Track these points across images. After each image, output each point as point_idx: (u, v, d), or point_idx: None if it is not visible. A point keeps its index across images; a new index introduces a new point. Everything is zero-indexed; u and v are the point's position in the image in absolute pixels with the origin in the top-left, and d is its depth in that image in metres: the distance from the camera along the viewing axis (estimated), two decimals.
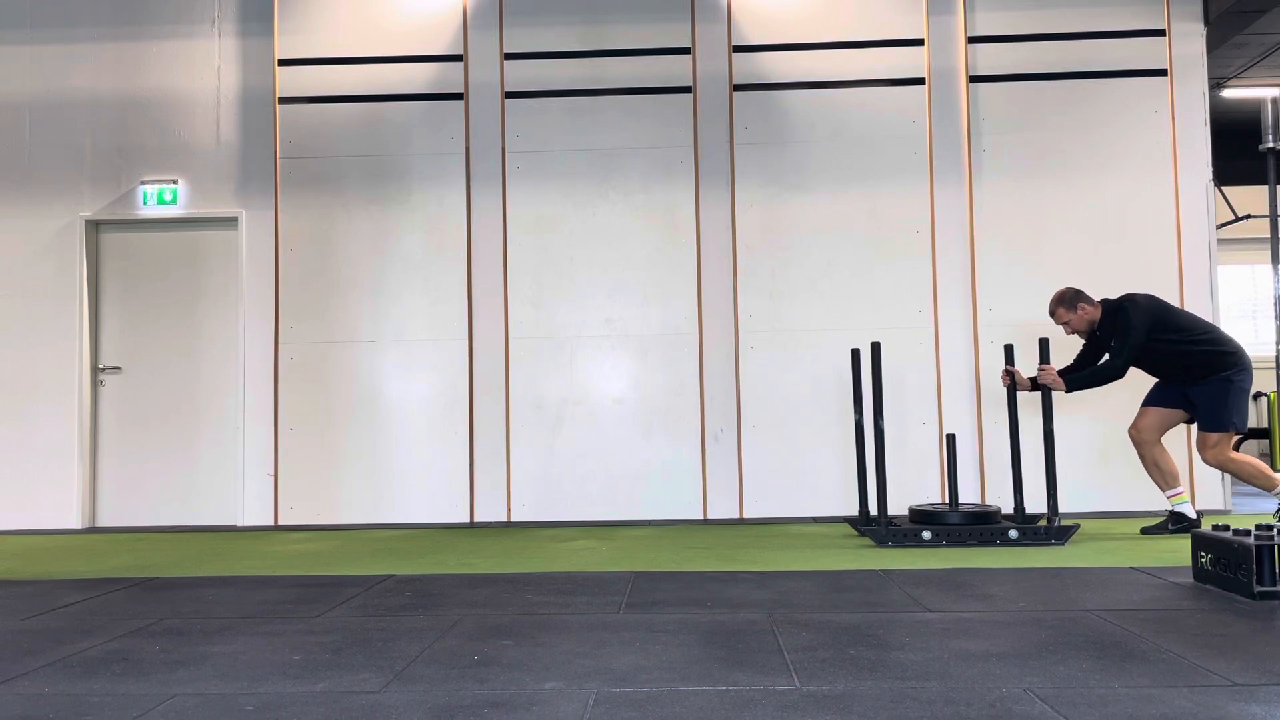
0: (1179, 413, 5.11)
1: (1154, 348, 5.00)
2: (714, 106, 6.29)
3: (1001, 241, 6.17)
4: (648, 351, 6.22)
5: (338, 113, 6.37)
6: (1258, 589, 3.36)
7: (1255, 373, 9.61)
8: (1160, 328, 4.97)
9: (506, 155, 6.32)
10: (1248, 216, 8.75)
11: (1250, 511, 6.00)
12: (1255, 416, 9.74)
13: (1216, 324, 5.16)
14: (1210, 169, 6.16)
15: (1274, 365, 8.63)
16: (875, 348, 5.14)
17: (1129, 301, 5.04)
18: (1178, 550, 4.38)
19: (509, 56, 6.36)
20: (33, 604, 3.76)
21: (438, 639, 3.04)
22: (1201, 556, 3.70)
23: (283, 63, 6.39)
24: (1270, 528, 3.44)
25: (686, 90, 6.30)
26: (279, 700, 2.44)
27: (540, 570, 4.34)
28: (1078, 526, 5.02)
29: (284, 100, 6.37)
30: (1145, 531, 5.13)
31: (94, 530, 6.24)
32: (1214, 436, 4.94)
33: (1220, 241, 6.91)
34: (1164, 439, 5.18)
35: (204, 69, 6.46)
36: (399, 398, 6.24)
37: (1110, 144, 6.18)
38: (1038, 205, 6.17)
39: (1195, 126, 6.16)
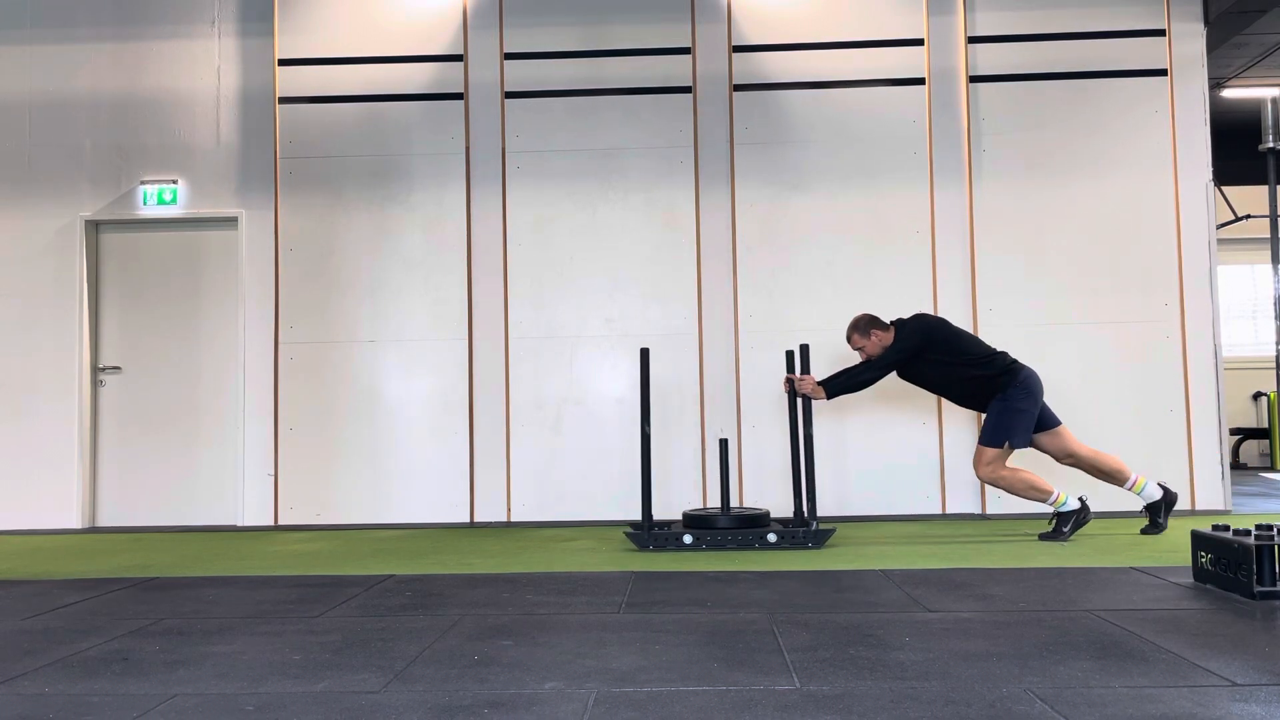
0: (1053, 430, 5.15)
1: (935, 370, 5.11)
2: (714, 106, 6.28)
3: (1001, 241, 6.17)
4: (648, 351, 6.20)
5: (338, 113, 6.37)
6: (1258, 589, 3.36)
7: (1255, 373, 9.68)
8: (937, 349, 5.08)
9: (506, 155, 6.32)
10: (1248, 216, 8.75)
11: (1250, 511, 6.01)
12: (1255, 416, 9.75)
13: (990, 347, 5.19)
14: (1210, 169, 6.16)
15: (1274, 365, 8.63)
16: (644, 354, 5.12)
17: (911, 319, 5.19)
18: (1178, 550, 4.38)
19: (509, 56, 6.36)
20: (33, 604, 3.75)
21: (438, 639, 3.04)
22: (1201, 556, 3.70)
23: (283, 63, 6.39)
24: (1270, 528, 3.44)
25: (686, 90, 6.30)
26: (279, 700, 2.44)
27: (540, 570, 4.34)
28: (834, 530, 5.03)
29: (284, 100, 6.37)
30: (1042, 537, 5.07)
31: (94, 530, 6.24)
32: (988, 453, 5.01)
33: (1220, 241, 6.91)
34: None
35: (204, 69, 6.46)
36: (399, 398, 6.24)
37: (1110, 144, 6.18)
38: (1038, 205, 6.17)
39: (1195, 126, 6.16)
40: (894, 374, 5.22)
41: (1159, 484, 5.18)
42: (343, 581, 4.14)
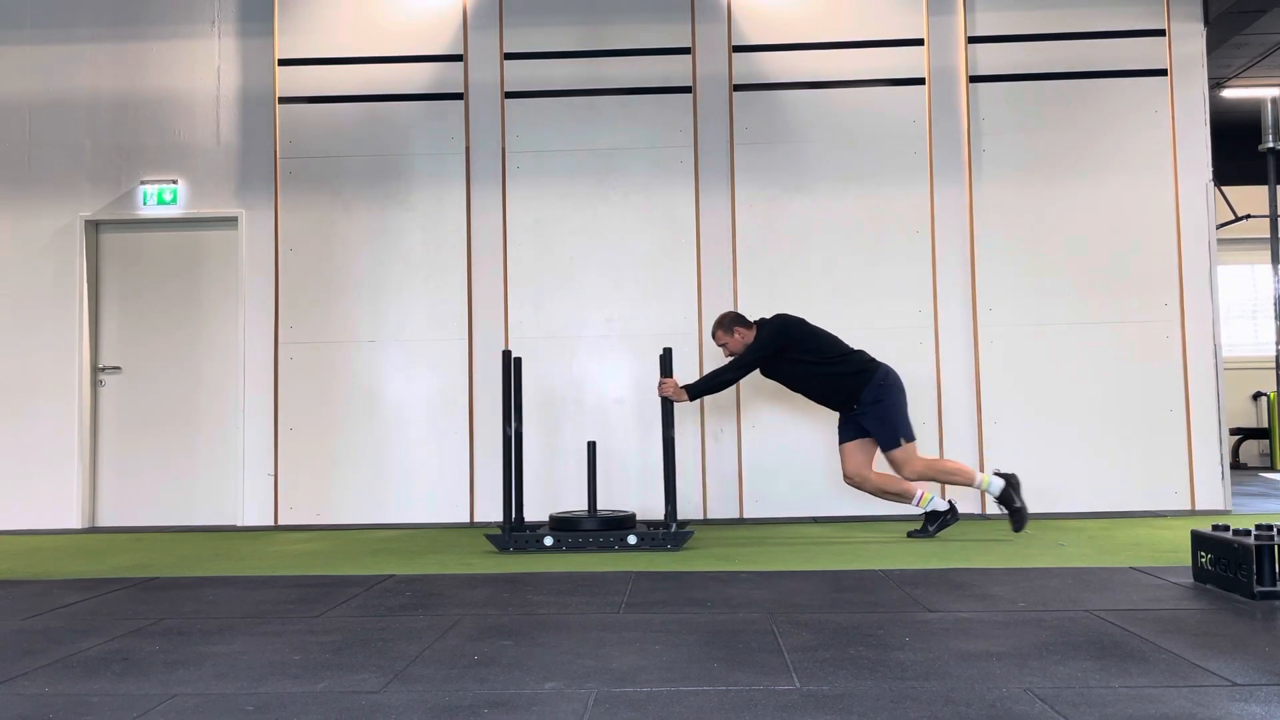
0: (870, 439, 5.16)
1: (794, 368, 5.14)
2: (714, 106, 6.28)
3: (1001, 241, 6.17)
4: (648, 351, 6.21)
5: (338, 113, 6.37)
6: (1258, 589, 3.36)
7: (1255, 373, 9.67)
8: (796, 347, 5.10)
9: (506, 155, 6.32)
10: (1248, 216, 8.75)
11: (1250, 511, 6.01)
12: (1255, 416, 9.75)
13: (849, 346, 5.20)
14: (1210, 169, 6.16)
15: (1274, 365, 8.63)
16: (506, 356, 5.12)
17: (772, 318, 5.21)
18: (1178, 550, 4.38)
19: (509, 56, 6.36)
20: (33, 604, 3.75)
21: (438, 639, 3.04)
22: (1201, 556, 3.69)
23: (283, 63, 6.39)
24: (1270, 528, 3.44)
25: (686, 90, 6.30)
26: (279, 700, 2.44)
27: (540, 570, 4.34)
28: (692, 533, 5.04)
29: (284, 100, 6.37)
30: (911, 535, 5.12)
31: (94, 530, 6.24)
32: (899, 454, 5.04)
33: (1220, 241, 6.91)
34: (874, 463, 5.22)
35: (204, 69, 6.46)
36: (399, 397, 6.24)
37: (1110, 144, 6.18)
38: (1038, 205, 6.17)
39: (1195, 126, 6.16)
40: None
41: (949, 501, 5.18)
42: (343, 581, 4.14)
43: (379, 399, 6.25)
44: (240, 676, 2.66)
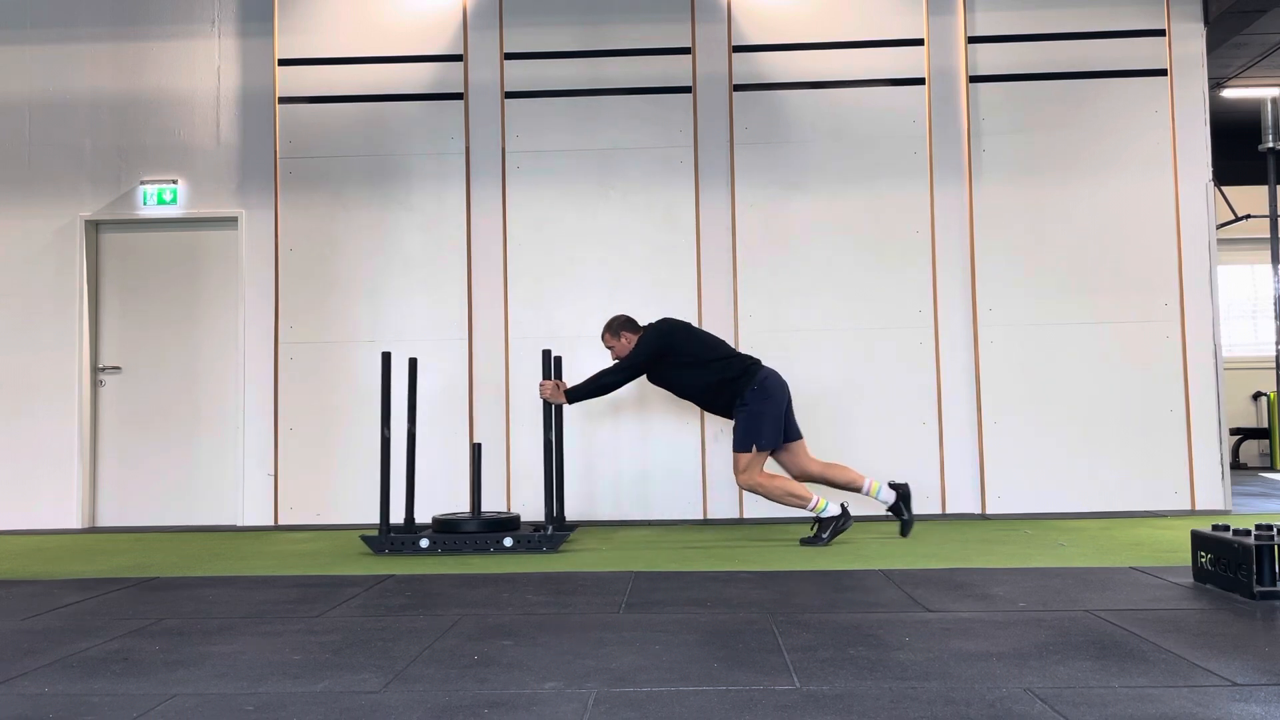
0: (787, 442, 5.15)
1: (678, 374, 5.12)
2: (714, 106, 6.28)
3: (1001, 241, 6.17)
4: None
5: (338, 113, 6.37)
6: (1258, 589, 3.36)
7: (1255, 373, 9.67)
8: (679, 352, 5.08)
9: (506, 155, 6.32)
10: (1248, 216, 8.76)
11: (1250, 511, 6.01)
12: (1256, 416, 9.75)
13: (732, 350, 5.22)
14: (1210, 169, 6.16)
15: (1274, 365, 8.63)
16: (385, 358, 5.12)
17: (653, 324, 5.20)
18: (1178, 550, 4.38)
19: (509, 56, 6.36)
20: (33, 604, 3.75)
21: (438, 639, 3.04)
22: (1201, 556, 3.70)
23: (283, 63, 6.39)
24: (1270, 528, 3.45)
25: (686, 90, 6.30)
26: (279, 700, 2.44)
27: (540, 570, 4.34)
28: (568, 535, 5.03)
29: (284, 100, 6.37)
30: (804, 542, 5.04)
31: (94, 530, 6.24)
32: (741, 459, 5.02)
33: (1220, 241, 6.91)
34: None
35: (204, 69, 6.46)
36: (399, 397, 6.22)
37: (1110, 144, 6.18)
38: (1038, 205, 6.17)
39: (1195, 126, 6.16)
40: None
41: (890, 484, 5.15)
42: (343, 581, 4.14)
43: (379, 399, 6.24)
44: (240, 676, 2.66)
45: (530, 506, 6.14)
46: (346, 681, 2.60)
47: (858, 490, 5.12)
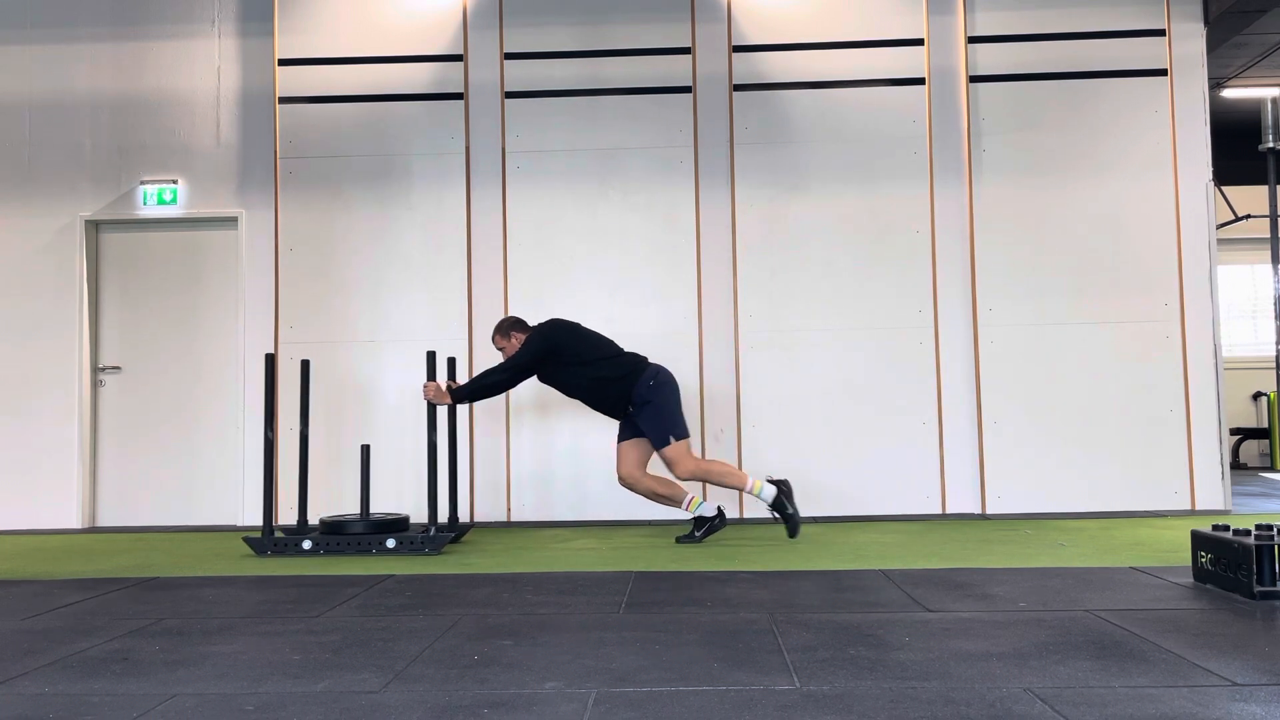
0: (645, 440, 5.15)
1: (566, 373, 5.13)
2: (714, 106, 6.28)
3: (1001, 241, 6.17)
4: (648, 351, 6.18)
5: (338, 113, 6.37)
6: (1258, 589, 3.36)
7: (1255, 373, 9.67)
8: (566, 351, 5.09)
9: (506, 155, 6.31)
10: (1248, 216, 8.76)
11: (1250, 511, 6.01)
12: (1256, 416, 9.75)
13: (620, 349, 5.22)
14: (1210, 169, 6.16)
15: (1274, 365, 8.64)
16: (269, 360, 5.10)
17: (540, 325, 5.21)
18: (1178, 550, 4.38)
19: (509, 56, 6.36)
20: (33, 604, 3.75)
21: (438, 639, 3.04)
22: (1201, 556, 3.70)
23: (283, 63, 6.39)
24: (1270, 528, 3.44)
25: (686, 90, 6.30)
26: (279, 700, 2.44)
27: (540, 570, 4.34)
28: (451, 536, 5.04)
29: (284, 100, 6.37)
30: (680, 540, 5.07)
31: (94, 530, 6.24)
32: (670, 452, 5.02)
33: (1220, 241, 6.91)
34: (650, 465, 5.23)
35: (204, 69, 6.46)
36: (399, 397, 6.23)
37: (1110, 144, 6.18)
38: (1037, 205, 6.17)
39: (1195, 126, 6.16)
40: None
41: (718, 507, 5.16)
42: (343, 581, 4.14)
43: (379, 399, 6.25)
44: (240, 676, 2.66)
45: (530, 507, 6.15)
46: (346, 681, 2.60)
47: (678, 505, 5.10)
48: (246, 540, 5.02)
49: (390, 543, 4.92)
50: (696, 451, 6.12)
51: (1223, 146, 6.60)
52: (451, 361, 5.53)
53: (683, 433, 5.08)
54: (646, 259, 6.25)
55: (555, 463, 6.19)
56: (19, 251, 6.41)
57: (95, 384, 6.44)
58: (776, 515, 5.11)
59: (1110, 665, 2.62)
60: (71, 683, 2.64)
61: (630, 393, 5.07)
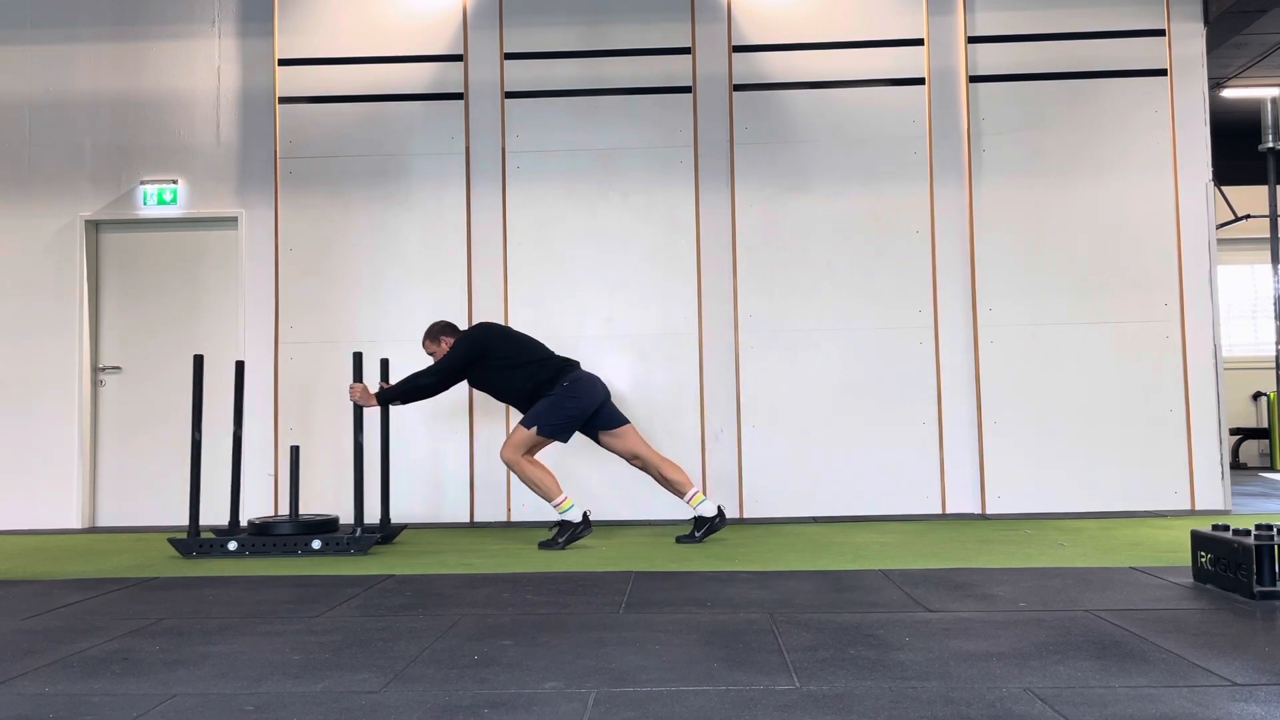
0: (617, 429, 5.14)
1: (495, 376, 5.13)
2: (714, 106, 6.28)
3: (1001, 241, 6.17)
4: (648, 351, 6.22)
5: (338, 113, 6.37)
6: (1258, 589, 3.36)
7: (1255, 373, 9.66)
8: (494, 354, 5.07)
9: (506, 155, 6.31)
10: (1248, 216, 8.76)
11: (1250, 511, 6.01)
12: (1256, 416, 9.75)
13: (550, 353, 5.22)
14: (1210, 169, 6.16)
15: (1274, 365, 8.64)
16: (197, 361, 5.13)
17: (470, 329, 5.22)
18: (1178, 550, 4.38)
19: (509, 56, 6.36)
20: (33, 604, 3.75)
21: (438, 639, 3.04)
22: (1201, 556, 3.70)
23: (283, 63, 6.39)
24: (1270, 528, 3.45)
25: (686, 90, 6.30)
26: (279, 700, 2.44)
27: (540, 570, 4.34)
28: (376, 538, 5.03)
29: (284, 100, 6.37)
30: (680, 540, 5.03)
31: (94, 530, 6.24)
32: (518, 434, 5.02)
33: (1220, 241, 6.91)
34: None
35: (204, 69, 6.46)
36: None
37: (1110, 144, 6.18)
38: (1038, 205, 6.17)
39: (1195, 126, 6.16)
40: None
41: (718, 506, 5.12)
42: (343, 581, 4.14)
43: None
44: (240, 676, 2.66)
45: (530, 508, 6.14)
46: (346, 681, 2.60)
47: (680, 495, 5.07)
48: (171, 541, 5.00)
49: (316, 544, 4.93)
50: (698, 454, 6.12)
51: (1223, 146, 6.60)
52: (385, 363, 5.51)
53: (551, 432, 5.02)
54: (646, 259, 6.25)
55: (555, 463, 6.18)
56: (19, 251, 6.41)
57: (95, 384, 6.44)
58: (555, 529, 5.01)
59: (1110, 665, 2.62)
60: (71, 683, 2.64)
61: (551, 391, 5.04)
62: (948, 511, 6.06)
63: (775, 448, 6.11)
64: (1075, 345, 6.11)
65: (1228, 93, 8.00)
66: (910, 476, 6.08)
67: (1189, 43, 6.20)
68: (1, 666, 2.81)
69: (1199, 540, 3.73)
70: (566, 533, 4.98)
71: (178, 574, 4.43)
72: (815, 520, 5.99)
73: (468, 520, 6.16)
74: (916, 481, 6.08)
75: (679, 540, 5.08)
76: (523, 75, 6.34)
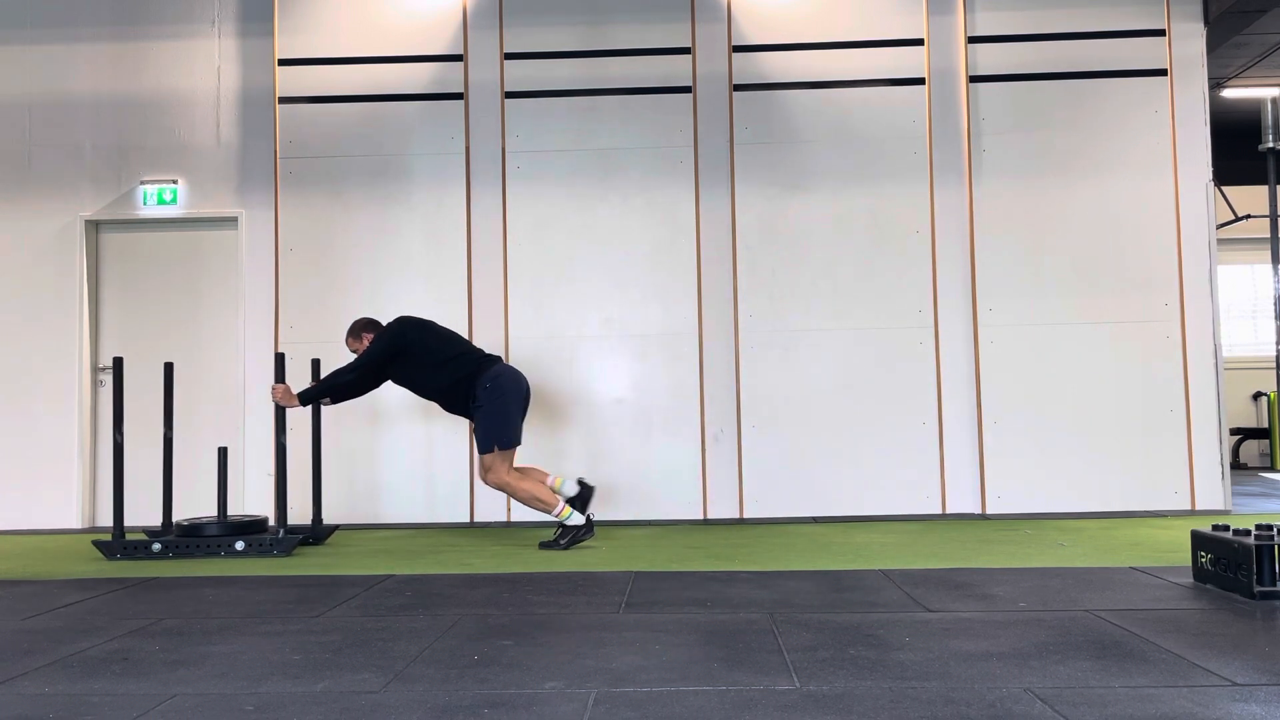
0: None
1: (414, 372, 5.09)
2: (714, 106, 6.28)
3: (1001, 241, 6.17)
4: (648, 351, 6.22)
5: (338, 112, 6.37)
6: (1258, 589, 3.36)
7: (1255, 373, 9.67)
8: (410, 352, 5.03)
9: (506, 155, 6.31)
10: (1248, 216, 8.75)
11: (1250, 511, 6.01)
12: (1256, 416, 9.75)
13: (470, 346, 5.22)
14: (1210, 169, 6.16)
15: (1274, 365, 8.64)
16: (117, 363, 5.12)
17: (389, 323, 5.15)
18: (1178, 550, 4.38)
19: (509, 56, 6.36)
20: (33, 604, 3.76)
21: (438, 639, 3.04)
22: (1201, 556, 3.70)
23: (283, 63, 6.39)
24: (1270, 528, 3.45)
25: (686, 90, 6.30)
26: (279, 700, 2.44)
27: (540, 570, 4.34)
28: (299, 539, 5.02)
29: (284, 100, 6.37)
30: (543, 545, 4.99)
31: (94, 530, 6.24)
32: (484, 460, 5.00)
33: (1220, 241, 6.91)
34: (519, 466, 5.19)
35: (204, 69, 6.45)
36: (398, 397, 6.22)
37: (1110, 144, 6.18)
38: (1038, 205, 6.17)
39: (1195, 126, 6.16)
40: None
41: (588, 516, 5.05)
42: (342, 581, 4.14)
43: (378, 398, 6.22)
44: (240, 676, 2.66)
45: (529, 509, 6.13)
46: (346, 681, 2.60)
47: (564, 504, 4.98)
48: (96, 544, 5.00)
49: (239, 545, 4.93)
50: (697, 453, 6.12)
51: (1223, 146, 6.60)
52: (315, 363, 5.49)
53: (508, 442, 4.98)
54: (646, 259, 6.25)
55: (555, 463, 6.18)
56: (19, 251, 6.41)
57: (95, 384, 6.44)
58: (558, 531, 4.96)
59: (1110, 665, 2.62)
60: (71, 683, 2.64)
61: (472, 391, 5.00)
62: (948, 511, 6.06)
63: (775, 448, 6.11)
64: (1075, 345, 6.10)
65: (1228, 93, 8.00)
66: (910, 476, 6.08)
67: (1189, 43, 6.20)
68: (1, 666, 2.81)
69: (1199, 540, 3.73)
70: (569, 534, 4.96)
71: (178, 574, 4.43)
72: (815, 520, 5.99)
73: (467, 520, 6.15)
74: (916, 481, 6.08)
75: (542, 546, 4.99)
76: (523, 75, 6.34)
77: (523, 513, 6.14)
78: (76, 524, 6.25)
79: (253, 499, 6.22)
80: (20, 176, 6.45)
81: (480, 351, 5.21)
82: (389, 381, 5.26)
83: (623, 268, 6.24)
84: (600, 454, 6.17)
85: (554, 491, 5.03)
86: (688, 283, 6.22)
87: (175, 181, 6.41)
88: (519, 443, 5.09)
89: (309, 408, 5.34)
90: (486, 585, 3.99)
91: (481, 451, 5.02)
